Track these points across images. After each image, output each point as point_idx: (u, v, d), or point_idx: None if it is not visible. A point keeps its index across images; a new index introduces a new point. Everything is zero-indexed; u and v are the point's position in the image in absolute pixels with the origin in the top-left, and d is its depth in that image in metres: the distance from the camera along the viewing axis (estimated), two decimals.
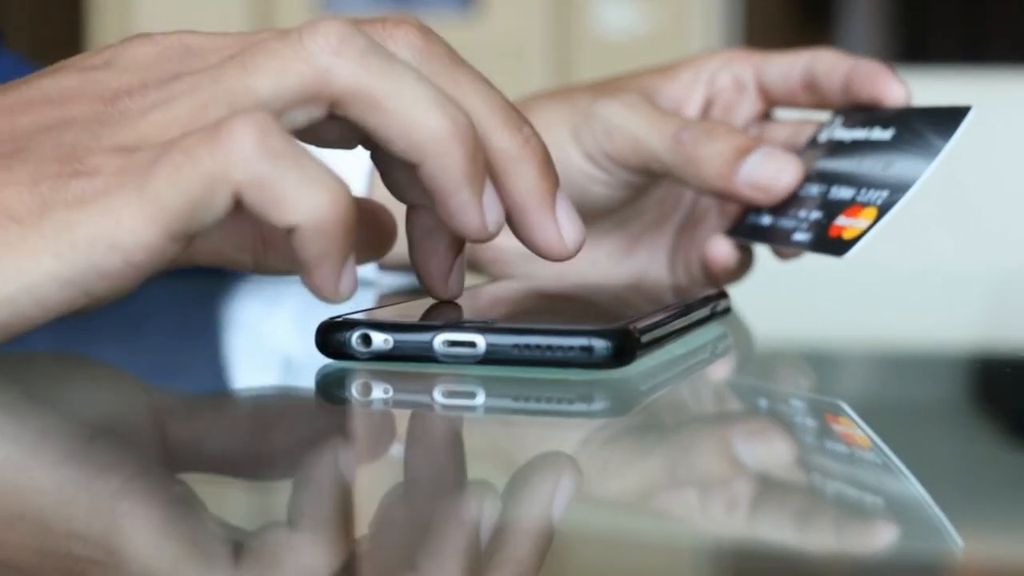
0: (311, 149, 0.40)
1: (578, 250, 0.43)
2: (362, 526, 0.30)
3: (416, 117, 0.39)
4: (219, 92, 0.38)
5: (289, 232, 0.37)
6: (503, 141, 0.41)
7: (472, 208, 0.40)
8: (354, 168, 0.67)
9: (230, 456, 0.36)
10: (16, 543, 0.28)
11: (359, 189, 0.67)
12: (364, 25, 0.41)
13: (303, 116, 0.39)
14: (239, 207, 0.37)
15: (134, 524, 0.29)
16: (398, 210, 0.45)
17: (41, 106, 0.40)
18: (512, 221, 0.42)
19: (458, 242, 0.43)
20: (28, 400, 0.41)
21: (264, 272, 0.45)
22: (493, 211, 0.41)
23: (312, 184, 0.37)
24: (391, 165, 0.42)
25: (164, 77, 0.40)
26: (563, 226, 0.42)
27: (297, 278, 0.39)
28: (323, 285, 0.38)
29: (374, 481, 0.34)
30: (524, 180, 0.42)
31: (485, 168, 0.40)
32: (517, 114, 0.42)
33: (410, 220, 0.43)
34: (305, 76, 0.38)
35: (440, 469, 0.35)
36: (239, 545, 0.28)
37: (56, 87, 0.40)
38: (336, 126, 0.40)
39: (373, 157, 0.43)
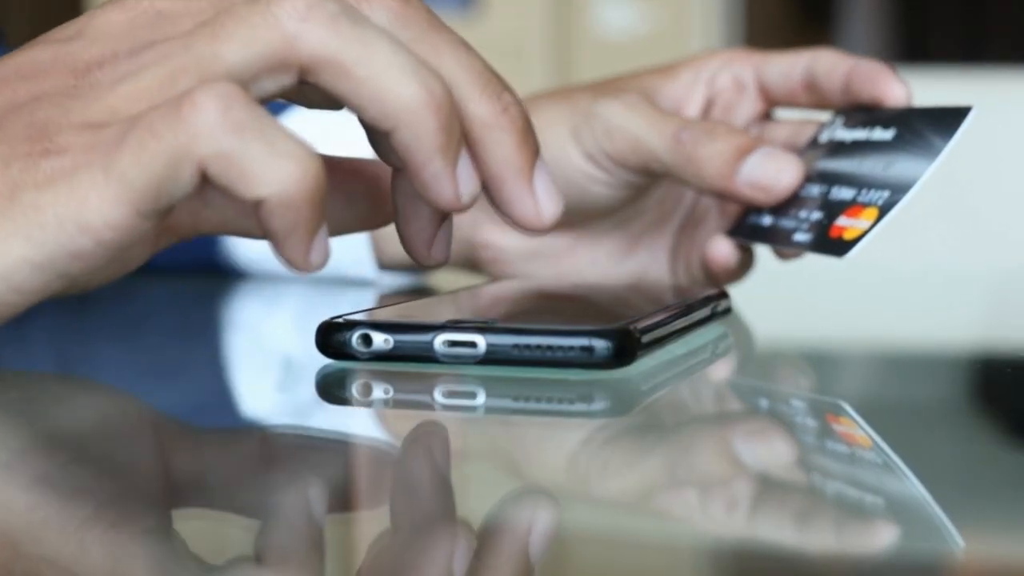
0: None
1: (554, 223, 0.41)
2: (363, 527, 0.30)
3: (387, 84, 0.38)
4: (188, 61, 0.38)
5: (257, 205, 0.37)
6: (480, 108, 0.40)
7: (445, 178, 0.39)
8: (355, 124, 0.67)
9: (230, 456, 0.36)
10: None
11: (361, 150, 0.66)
12: None
13: (273, 84, 0.38)
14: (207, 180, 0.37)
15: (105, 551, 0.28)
16: None
17: (14, 82, 0.40)
18: (488, 191, 0.41)
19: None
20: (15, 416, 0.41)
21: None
22: (468, 182, 0.40)
23: (279, 156, 0.36)
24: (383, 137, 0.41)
25: (135, 46, 0.39)
26: (540, 198, 0.41)
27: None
28: (293, 257, 0.38)
29: (374, 482, 0.34)
30: (501, 149, 0.40)
31: (460, 137, 0.39)
32: (497, 80, 0.41)
33: (394, 184, 0.42)
34: (273, 43, 0.37)
35: (440, 470, 0.35)
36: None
37: (29, 62, 0.40)
38: (319, 88, 0.39)
39: (360, 119, 0.41)
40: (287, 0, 0.38)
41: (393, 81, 0.38)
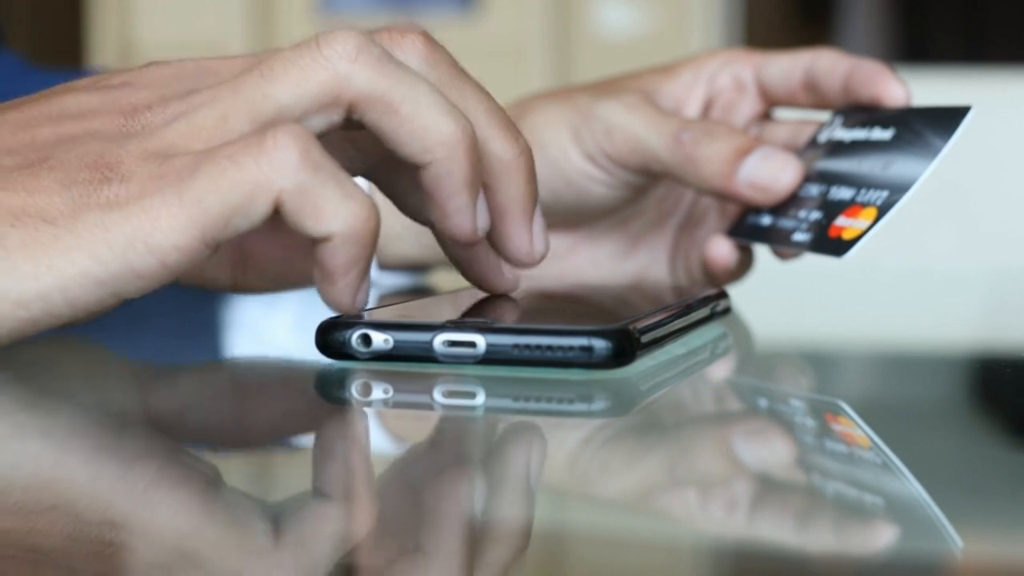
0: None
1: (541, 260, 0.45)
2: (362, 528, 0.30)
3: (428, 121, 0.41)
4: (239, 101, 0.40)
5: (321, 241, 0.39)
6: (501, 149, 0.43)
7: (468, 211, 0.42)
8: None
9: (231, 456, 0.36)
10: (51, 531, 0.28)
11: None
12: (373, 34, 0.42)
13: (322, 122, 0.41)
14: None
15: (166, 509, 0.29)
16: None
17: (61, 120, 0.41)
18: (492, 224, 0.44)
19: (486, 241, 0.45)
20: (48, 397, 0.41)
21: (240, 291, 0.47)
22: (483, 216, 0.43)
23: (349, 196, 0.39)
24: (406, 189, 0.45)
25: (182, 92, 0.41)
26: (535, 237, 0.44)
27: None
28: (343, 294, 0.40)
29: (373, 482, 0.34)
30: (513, 188, 0.44)
31: (481, 175, 0.42)
32: (513, 126, 0.44)
33: (441, 241, 0.45)
34: (325, 83, 0.40)
35: (440, 470, 0.35)
36: (266, 525, 0.28)
37: (75, 102, 0.42)
38: (342, 154, 0.42)
39: (383, 186, 0.45)
40: (337, 43, 0.40)
41: (433, 119, 0.41)
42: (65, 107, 0.41)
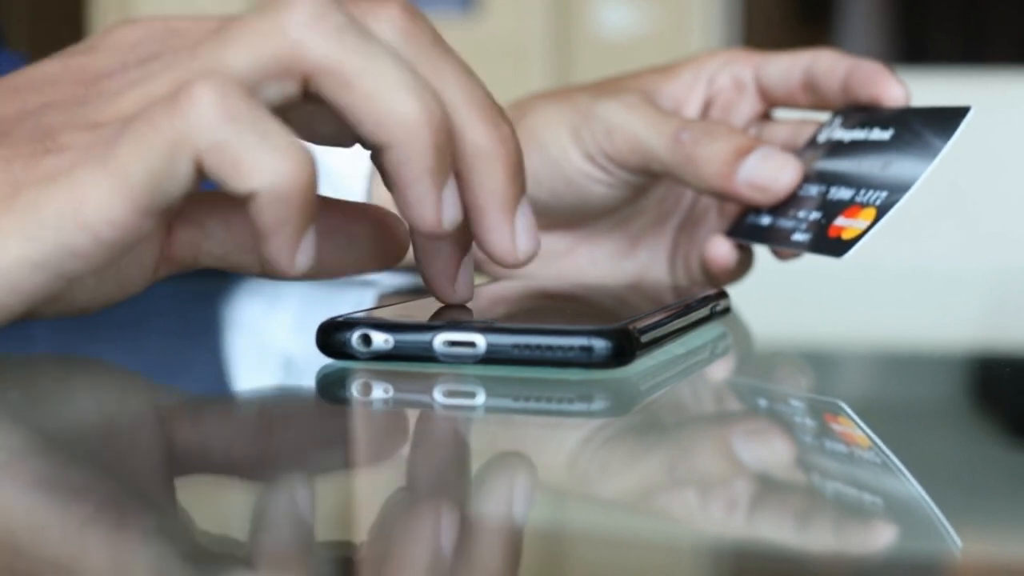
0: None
1: (528, 262, 0.42)
2: (362, 528, 0.30)
3: (386, 99, 0.37)
4: (195, 67, 0.37)
5: (248, 199, 0.36)
6: (477, 136, 0.40)
7: (430, 201, 0.39)
8: (354, 170, 0.67)
9: (231, 456, 0.36)
10: None
11: (359, 192, 0.67)
12: (348, 3, 0.39)
13: (276, 91, 0.38)
14: (203, 177, 0.36)
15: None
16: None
17: (24, 93, 0.40)
18: (470, 218, 0.41)
19: (464, 242, 0.42)
20: (30, 404, 0.41)
21: (270, 274, 0.44)
22: (451, 208, 0.39)
23: (273, 149, 0.36)
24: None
25: (144, 57, 0.39)
26: (519, 235, 0.41)
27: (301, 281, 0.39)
28: (279, 256, 0.37)
29: (374, 482, 0.34)
30: (490, 180, 0.40)
31: (451, 162, 0.39)
32: (497, 110, 0.40)
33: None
34: (278, 49, 0.37)
35: (439, 469, 0.35)
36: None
37: (40, 74, 0.40)
38: (330, 120, 0.39)
39: (373, 156, 0.41)
40: (295, 10, 0.37)
41: (392, 96, 0.37)
42: (30, 80, 0.40)
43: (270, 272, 0.43)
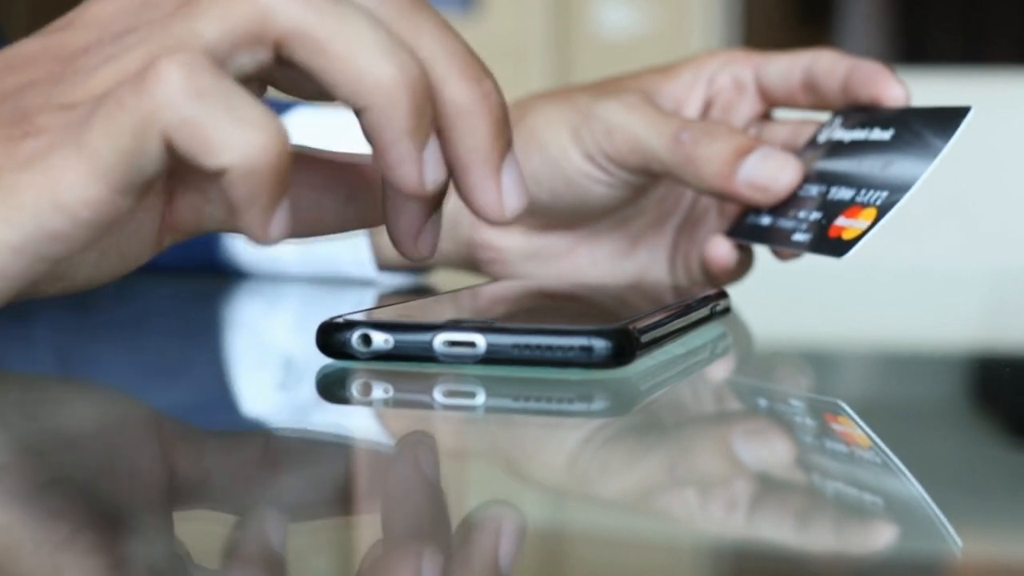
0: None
1: (516, 218, 0.41)
2: (362, 528, 0.30)
3: (360, 62, 0.37)
4: (167, 40, 0.37)
5: (219, 174, 0.36)
6: (458, 93, 0.39)
7: (410, 161, 0.38)
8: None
9: (232, 455, 0.36)
10: None
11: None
12: None
13: (249, 60, 0.38)
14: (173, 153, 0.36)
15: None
16: None
17: (4, 74, 0.40)
18: (455, 177, 0.40)
19: (435, 200, 0.41)
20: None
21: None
22: (433, 167, 0.39)
23: (242, 123, 0.36)
24: None
25: (120, 31, 0.39)
26: (506, 190, 0.40)
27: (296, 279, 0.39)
28: (253, 229, 0.37)
29: (373, 482, 0.34)
30: (473, 136, 0.40)
31: (431, 122, 0.39)
32: (479, 66, 0.40)
33: (384, 177, 0.41)
34: (248, 17, 0.37)
35: (440, 469, 0.35)
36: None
37: (18, 54, 0.40)
38: (306, 78, 0.39)
39: (334, 96, 0.40)
40: None
41: (367, 59, 0.37)
42: (8, 61, 0.40)
43: None
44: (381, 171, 0.39)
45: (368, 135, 0.38)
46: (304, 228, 0.42)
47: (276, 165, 0.36)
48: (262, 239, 0.37)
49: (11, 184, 0.37)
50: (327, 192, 0.43)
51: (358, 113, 0.38)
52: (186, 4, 0.38)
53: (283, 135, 0.36)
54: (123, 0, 0.40)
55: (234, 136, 0.35)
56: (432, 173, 0.39)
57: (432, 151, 0.39)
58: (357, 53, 0.37)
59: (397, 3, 0.39)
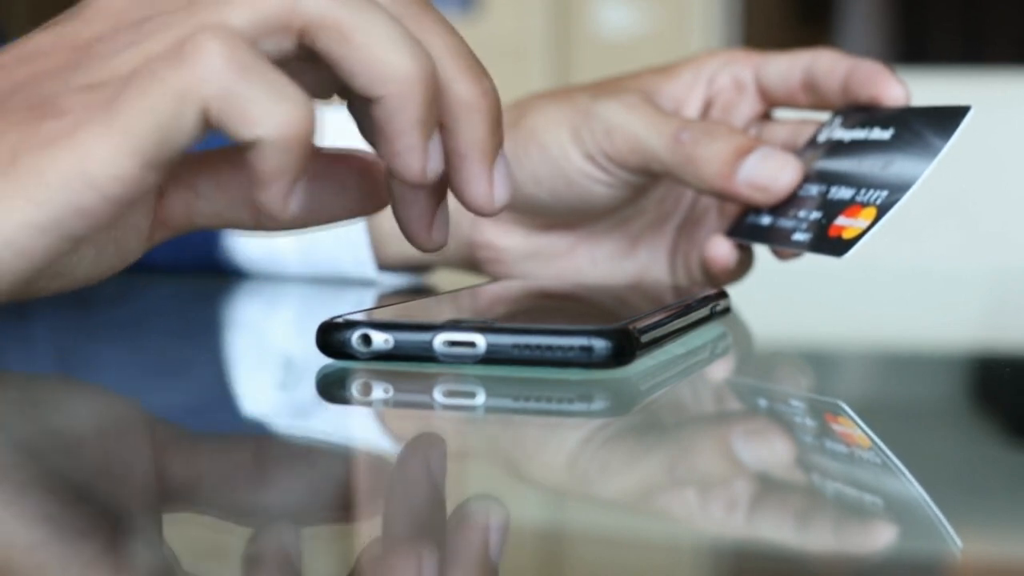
0: None
1: (502, 209, 0.43)
2: (362, 528, 0.30)
3: (382, 53, 0.39)
4: (195, 24, 0.38)
5: (250, 146, 0.37)
6: (462, 89, 0.41)
7: (417, 151, 0.40)
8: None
9: (233, 455, 0.36)
10: None
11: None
12: None
13: (272, 46, 0.39)
14: (209, 128, 0.37)
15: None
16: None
17: (14, 67, 0.40)
18: (450, 167, 0.42)
19: (439, 190, 0.43)
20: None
21: (264, 228, 0.44)
22: (435, 158, 0.40)
23: (279, 98, 0.37)
24: (367, 112, 0.42)
25: (135, 20, 0.40)
26: (496, 184, 0.42)
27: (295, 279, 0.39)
28: (274, 201, 0.38)
29: (373, 482, 0.34)
30: (473, 131, 0.41)
31: (436, 114, 0.40)
32: (479, 66, 0.42)
33: (390, 170, 0.42)
34: (277, 5, 0.38)
35: (440, 469, 0.35)
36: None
37: (29, 47, 0.40)
38: (310, 72, 0.40)
39: (349, 106, 0.43)
40: None
41: (387, 50, 0.39)
42: (20, 53, 0.40)
43: (263, 225, 0.43)
44: (386, 159, 0.40)
45: (380, 124, 0.40)
46: (305, 217, 0.43)
47: (305, 140, 0.37)
48: (282, 211, 0.38)
49: (34, 164, 0.37)
50: (326, 180, 0.43)
51: (372, 103, 0.39)
52: None
53: (313, 112, 0.38)
54: None
55: (271, 109, 0.37)
56: (434, 163, 0.40)
57: (435, 143, 0.40)
58: (378, 44, 0.39)
59: (407, 2, 0.41)
